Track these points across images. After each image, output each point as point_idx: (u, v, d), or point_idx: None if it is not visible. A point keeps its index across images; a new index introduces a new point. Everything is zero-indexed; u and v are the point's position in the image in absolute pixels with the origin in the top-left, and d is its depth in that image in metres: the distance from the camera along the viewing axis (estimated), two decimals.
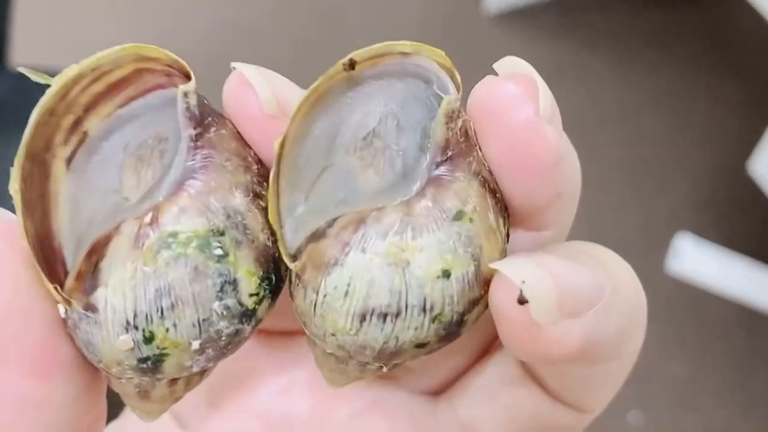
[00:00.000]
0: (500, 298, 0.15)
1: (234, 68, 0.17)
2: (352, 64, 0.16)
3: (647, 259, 0.98)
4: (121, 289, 0.15)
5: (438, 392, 0.21)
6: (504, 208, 0.16)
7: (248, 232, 0.16)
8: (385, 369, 0.17)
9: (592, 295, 0.15)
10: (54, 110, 0.15)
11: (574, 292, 0.15)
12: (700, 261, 0.98)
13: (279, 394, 0.21)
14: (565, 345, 0.15)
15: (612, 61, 1.20)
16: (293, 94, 0.17)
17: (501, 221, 0.16)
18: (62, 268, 0.16)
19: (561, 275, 0.15)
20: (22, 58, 0.77)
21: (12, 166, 0.15)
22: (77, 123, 0.16)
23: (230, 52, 1.22)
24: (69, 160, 0.16)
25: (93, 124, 0.16)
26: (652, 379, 0.90)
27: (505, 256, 0.16)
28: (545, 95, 0.15)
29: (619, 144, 1.08)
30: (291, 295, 0.17)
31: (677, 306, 0.95)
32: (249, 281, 0.15)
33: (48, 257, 0.15)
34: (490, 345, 0.21)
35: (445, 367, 0.21)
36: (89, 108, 0.16)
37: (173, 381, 0.17)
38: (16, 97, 0.67)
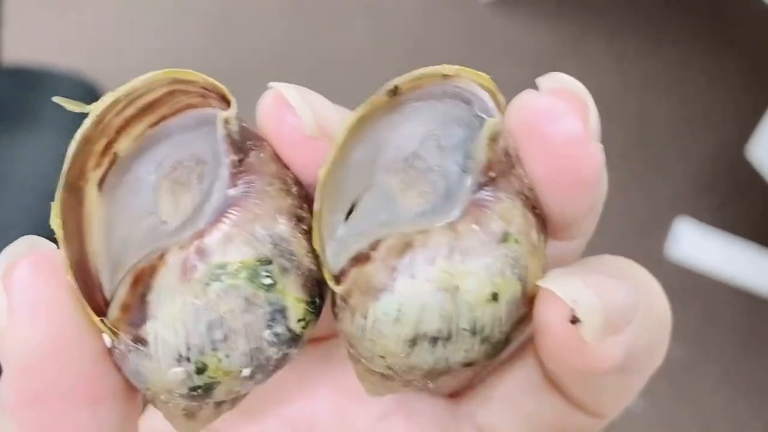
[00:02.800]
0: (549, 317, 0.15)
1: (271, 87, 0.16)
2: (395, 90, 0.15)
3: (646, 244, 0.99)
4: (171, 324, 0.15)
5: (457, 393, 0.21)
6: (542, 223, 0.16)
7: (294, 258, 0.15)
8: (431, 385, 0.17)
9: (629, 312, 0.16)
10: (90, 138, 0.15)
11: (616, 310, 0.15)
12: (699, 245, 0.99)
13: (304, 399, 0.21)
14: (608, 360, 0.15)
15: (610, 43, 1.20)
16: (330, 113, 0.16)
17: (542, 237, 0.16)
18: (100, 292, 0.16)
19: (605, 294, 0.15)
20: (12, 54, 0.76)
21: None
22: (108, 146, 0.16)
23: (222, 42, 1.21)
24: (101, 183, 0.16)
25: (123, 145, 0.16)
26: None
27: (546, 271, 0.16)
28: (594, 112, 0.15)
29: (618, 127, 1.08)
30: (335, 315, 0.17)
31: (677, 290, 0.95)
32: (297, 308, 0.15)
33: (86, 282, 0.15)
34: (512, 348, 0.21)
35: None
36: (120, 130, 0.16)
37: (220, 402, 0.17)
38: (13, 94, 0.67)
